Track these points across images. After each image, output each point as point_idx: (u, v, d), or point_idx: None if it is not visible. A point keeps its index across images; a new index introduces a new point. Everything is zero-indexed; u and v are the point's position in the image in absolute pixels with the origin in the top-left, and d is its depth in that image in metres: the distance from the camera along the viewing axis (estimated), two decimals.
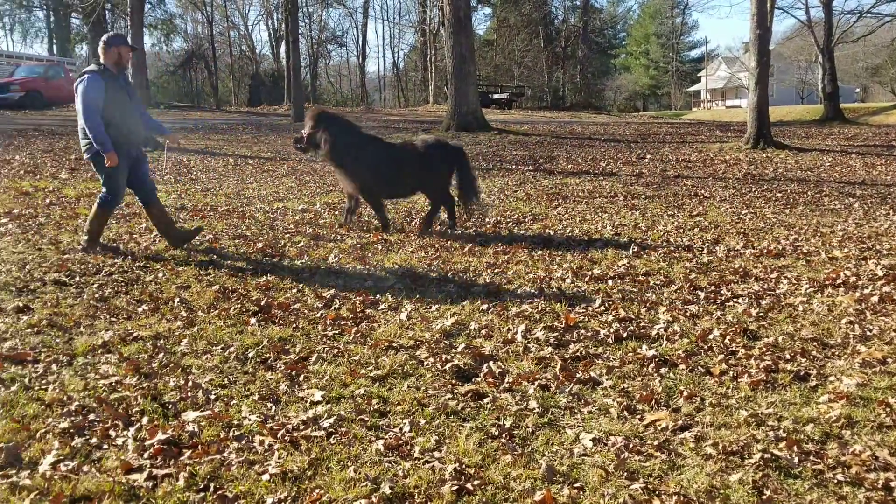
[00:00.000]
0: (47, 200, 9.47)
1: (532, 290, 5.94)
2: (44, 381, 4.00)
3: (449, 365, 4.32)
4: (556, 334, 4.89)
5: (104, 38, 6.60)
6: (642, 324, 5.15)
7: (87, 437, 3.38)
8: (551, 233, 8.32)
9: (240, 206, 9.68)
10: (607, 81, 68.51)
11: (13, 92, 32.30)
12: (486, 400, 3.91)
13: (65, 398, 3.77)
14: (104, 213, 6.84)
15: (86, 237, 6.88)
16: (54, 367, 4.21)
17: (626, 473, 3.18)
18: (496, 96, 43.50)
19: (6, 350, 4.42)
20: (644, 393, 3.99)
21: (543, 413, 3.76)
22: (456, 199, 8.48)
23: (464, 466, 3.19)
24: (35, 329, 4.80)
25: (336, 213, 9.36)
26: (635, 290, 6.01)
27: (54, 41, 50.89)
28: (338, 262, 6.80)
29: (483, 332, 4.95)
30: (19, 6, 52.49)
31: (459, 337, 4.86)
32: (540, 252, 7.32)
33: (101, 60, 6.55)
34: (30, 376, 4.05)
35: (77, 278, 5.99)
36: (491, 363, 4.37)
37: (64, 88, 35.97)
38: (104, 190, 6.73)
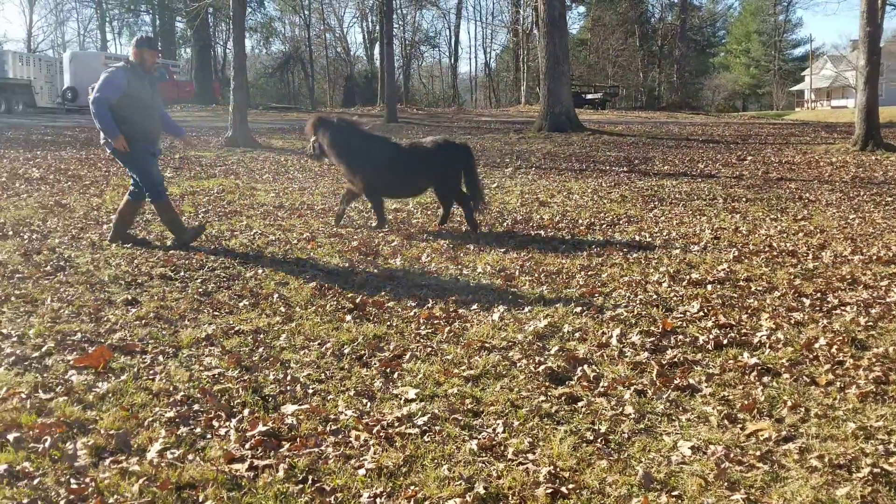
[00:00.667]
0: None
1: (627, 294, 5.84)
2: (151, 372, 4.17)
3: (542, 367, 4.29)
4: (652, 339, 4.79)
5: (135, 39, 7.11)
6: (743, 330, 4.98)
7: (192, 426, 3.51)
8: (647, 235, 8.16)
9: (335, 205, 9.87)
10: (705, 81, 66.69)
11: None
12: (580, 403, 3.86)
13: (171, 388, 3.93)
14: (163, 205, 7.14)
15: (174, 237, 7.23)
16: (161, 358, 4.39)
17: (726, 484, 3.08)
18: (589, 96, 43.00)
19: (116, 340, 4.63)
20: (745, 402, 3.86)
21: (640, 419, 3.69)
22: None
23: (558, 470, 3.16)
24: (143, 321, 5.02)
25: (429, 213, 9.43)
26: (736, 295, 5.82)
27: (159, 44, 53.17)
28: (430, 261, 6.85)
29: (577, 335, 4.89)
30: (127, 10, 55.15)
31: (553, 339, 4.82)
32: (635, 255, 7.18)
33: (131, 58, 6.95)
34: (138, 366, 4.23)
35: (182, 273, 6.24)
36: (585, 367, 4.32)
37: (170, 90, 37.49)
38: (145, 188, 7.04)
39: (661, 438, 3.49)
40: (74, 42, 60.61)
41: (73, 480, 2.99)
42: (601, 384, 4.09)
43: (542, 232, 8.32)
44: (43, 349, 4.40)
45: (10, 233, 7.51)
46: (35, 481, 2.96)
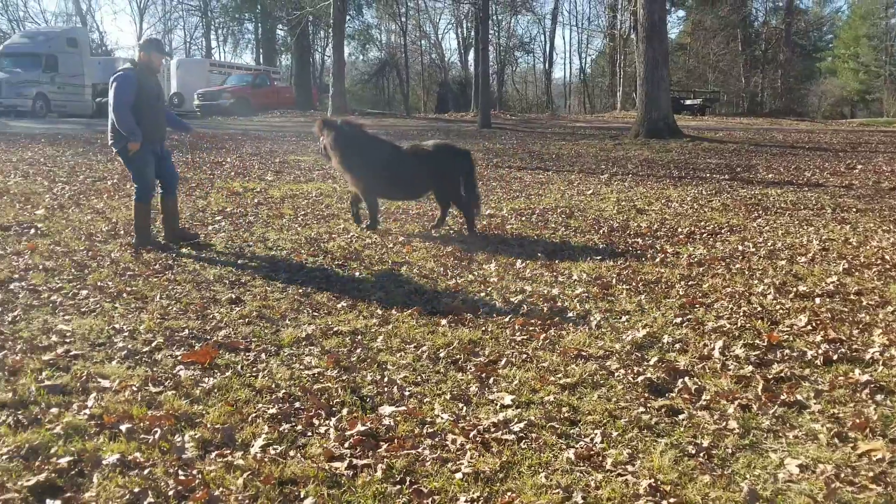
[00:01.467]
0: (255, 200, 10.22)
1: (730, 305, 5.65)
2: (254, 369, 4.29)
3: (641, 378, 4.20)
4: (757, 353, 4.62)
5: (142, 41, 7.36)
6: (854, 346, 4.74)
7: (293, 423, 3.59)
8: (750, 245, 7.88)
9: (430, 210, 9.94)
10: (811, 86, 64.03)
11: (224, 99, 35.12)
12: (681, 416, 3.76)
13: (273, 386, 4.03)
14: (142, 208, 7.21)
15: (135, 238, 7.28)
16: (263, 356, 4.51)
17: None
18: (688, 102, 41.95)
19: (221, 338, 4.79)
20: (857, 420, 3.67)
21: (744, 434, 3.56)
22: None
23: (659, 483, 3.08)
24: (246, 320, 5.17)
25: (522, 218, 9.39)
26: (846, 309, 5.55)
27: (261, 51, 55.01)
28: (525, 267, 6.80)
29: (677, 346, 4.77)
30: (232, 18, 57.24)
31: (651, 350, 4.71)
32: (738, 265, 6.95)
33: (137, 60, 7.11)
34: (241, 364, 4.36)
35: (282, 274, 6.40)
36: (686, 379, 4.20)
37: (270, 95, 38.66)
38: (136, 186, 7.20)
39: (766, 455, 3.36)
40: (181, 49, 63.31)
41: (181, 472, 3.10)
42: (703, 397, 3.97)
43: (639, 240, 8.15)
44: (153, 344, 4.60)
45: (122, 232, 7.88)
46: (146, 471, 3.08)
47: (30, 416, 3.53)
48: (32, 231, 7.64)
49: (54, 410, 3.60)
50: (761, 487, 3.08)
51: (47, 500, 2.83)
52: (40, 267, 6.23)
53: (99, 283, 5.85)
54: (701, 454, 3.35)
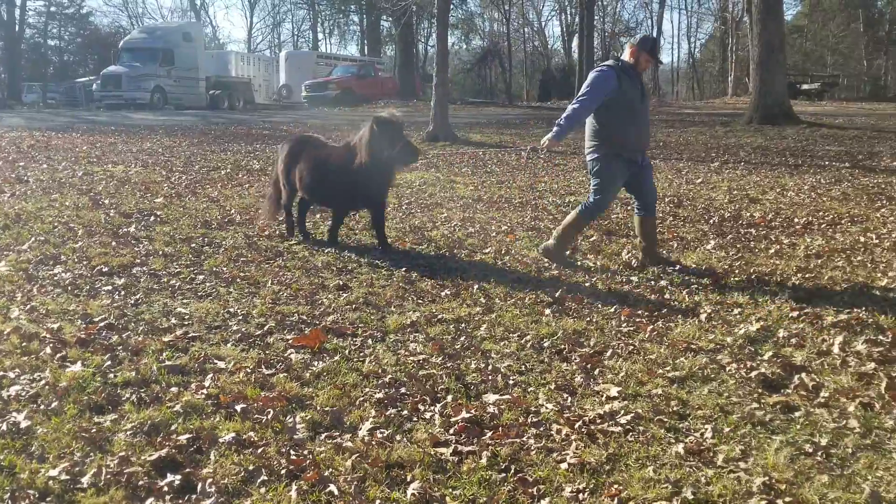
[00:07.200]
0: None
1: (850, 300, 5.37)
2: (361, 354, 4.37)
3: (754, 373, 4.04)
4: (880, 349, 4.37)
5: (638, 37, 6.40)
6: None
7: (399, 408, 3.64)
8: (874, 237, 7.47)
9: (532, 199, 9.89)
10: None
11: (330, 90, 35.90)
12: (797, 413, 3.60)
13: (379, 371, 4.10)
14: (583, 221, 6.43)
15: (553, 242, 6.48)
16: (370, 341, 4.59)
17: None
18: (805, 87, 40.08)
19: (329, 323, 4.90)
20: None
21: (866, 434, 3.38)
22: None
23: (773, 481, 2.96)
24: (353, 306, 5.27)
25: (629, 208, 9.20)
26: None
27: (366, 42, 55.97)
28: (631, 258, 6.67)
29: (793, 340, 4.57)
30: (338, 11, 58.46)
31: (765, 344, 4.53)
32: (860, 258, 6.60)
33: (623, 57, 6.21)
34: (349, 348, 4.45)
35: (387, 262, 6.49)
36: (803, 375, 4.02)
37: (374, 86, 39.30)
38: (592, 198, 6.28)
39: (890, 456, 3.19)
40: (289, 42, 65.13)
41: (292, 452, 3.19)
42: (821, 394, 3.79)
43: (752, 230, 7.85)
44: (265, 328, 4.75)
45: (238, 219, 8.18)
46: (259, 450, 3.19)
47: (151, 395, 3.71)
48: (152, 218, 8.03)
49: (174, 389, 3.77)
50: (885, 490, 2.92)
51: (168, 474, 2.97)
52: (160, 253, 6.55)
53: (214, 269, 6.10)
54: (819, 453, 3.20)
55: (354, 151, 6.86)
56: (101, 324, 4.67)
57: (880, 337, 4.58)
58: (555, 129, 6.05)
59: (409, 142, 6.87)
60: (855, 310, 5.11)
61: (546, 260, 6.50)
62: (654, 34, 46.22)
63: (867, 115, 26.92)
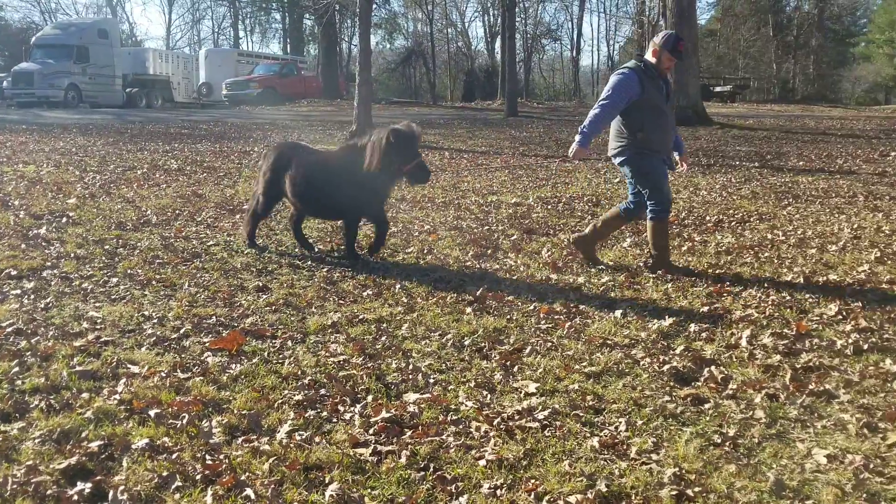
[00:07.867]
0: None
1: (758, 294, 5.59)
2: (280, 356, 4.32)
3: (667, 367, 4.17)
4: (785, 342, 4.57)
5: (661, 36, 6.06)
6: (886, 336, 4.68)
7: (319, 410, 3.61)
8: (780, 234, 7.79)
9: (455, 199, 9.95)
10: (844, 72, 62.87)
11: (251, 88, 35.34)
12: (707, 405, 3.73)
13: (299, 372, 4.06)
14: (661, 227, 6.17)
15: (655, 253, 6.26)
16: (290, 343, 4.54)
17: (865, 495, 2.90)
18: (718, 89, 41.53)
19: (248, 325, 4.83)
20: (888, 411, 3.62)
21: (771, 424, 3.53)
22: None
23: (684, 472, 3.06)
24: (273, 308, 5.21)
25: (548, 207, 9.35)
26: (878, 298, 5.47)
27: (288, 41, 55.27)
28: (550, 256, 6.78)
29: (704, 335, 4.73)
30: (259, 8, 57.59)
31: (678, 339, 4.68)
32: (767, 254, 6.87)
33: (646, 56, 6.08)
34: (268, 350, 4.39)
35: (308, 262, 6.43)
36: (713, 368, 4.17)
37: (297, 85, 38.84)
38: (651, 202, 6.07)
39: (794, 445, 3.33)
40: (209, 40, 63.77)
41: (208, 457, 3.13)
42: (730, 386, 3.94)
43: None
44: (181, 331, 4.65)
45: (154, 220, 7.97)
46: (174, 455, 3.13)
47: (61, 401, 3.59)
48: (64, 220, 7.75)
49: (85, 395, 3.66)
50: (788, 477, 3.05)
51: (78, 483, 2.88)
52: (72, 255, 6.33)
53: (129, 271, 5.93)
54: (727, 443, 3.32)
55: (359, 154, 6.36)
56: (9, 329, 4.50)
57: (785, 330, 4.78)
58: (578, 136, 5.84)
59: (422, 161, 6.41)
60: (762, 304, 5.33)
61: (465, 259, 6.56)
62: (576, 36, 46.88)
63: (776, 117, 28.05)
